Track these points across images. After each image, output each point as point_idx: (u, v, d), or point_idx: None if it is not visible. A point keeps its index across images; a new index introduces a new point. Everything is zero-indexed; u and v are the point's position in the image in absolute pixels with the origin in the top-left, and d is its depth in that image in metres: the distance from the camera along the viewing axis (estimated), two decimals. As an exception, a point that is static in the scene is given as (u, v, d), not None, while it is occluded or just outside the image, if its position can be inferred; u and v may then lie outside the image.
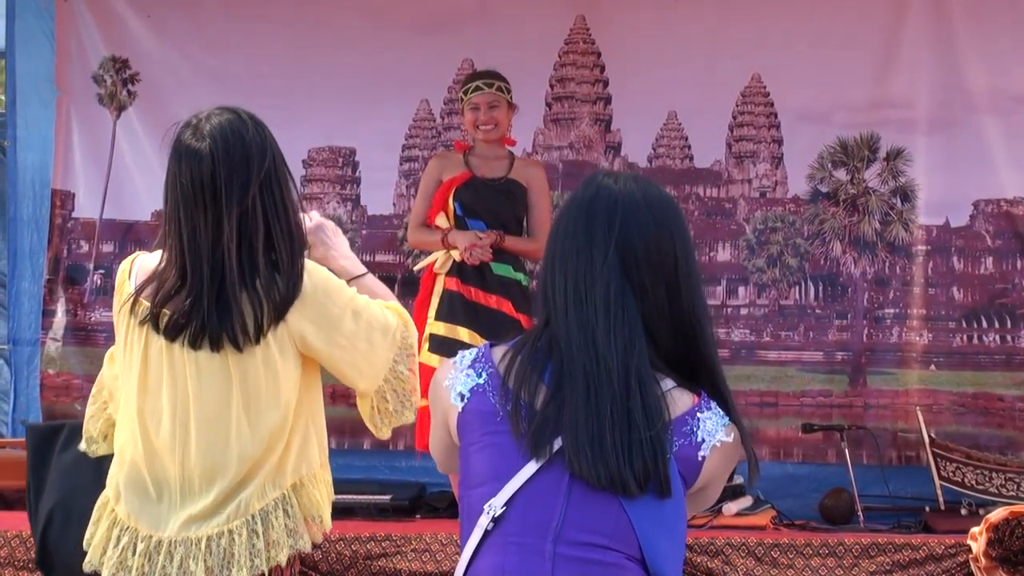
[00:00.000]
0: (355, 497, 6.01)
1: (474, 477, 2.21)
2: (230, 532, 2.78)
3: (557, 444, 2.16)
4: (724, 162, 6.95)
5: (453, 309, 5.43)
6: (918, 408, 6.36)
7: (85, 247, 7.07)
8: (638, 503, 2.14)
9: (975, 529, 5.25)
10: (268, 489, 2.80)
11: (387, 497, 6.09)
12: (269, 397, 2.80)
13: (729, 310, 6.89)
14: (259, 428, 2.79)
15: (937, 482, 6.07)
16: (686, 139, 6.93)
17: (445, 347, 5.28)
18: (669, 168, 6.95)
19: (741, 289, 6.89)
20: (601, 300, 2.18)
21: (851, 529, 5.80)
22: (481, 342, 5.32)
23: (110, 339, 2.98)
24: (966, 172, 6.70)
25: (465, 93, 5.68)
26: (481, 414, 2.22)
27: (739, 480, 6.22)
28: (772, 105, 6.86)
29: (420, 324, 5.23)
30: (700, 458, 2.21)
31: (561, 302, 2.21)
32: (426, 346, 5.31)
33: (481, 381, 2.24)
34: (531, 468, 2.16)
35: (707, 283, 6.91)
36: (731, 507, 5.95)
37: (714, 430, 2.22)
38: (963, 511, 5.91)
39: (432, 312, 5.41)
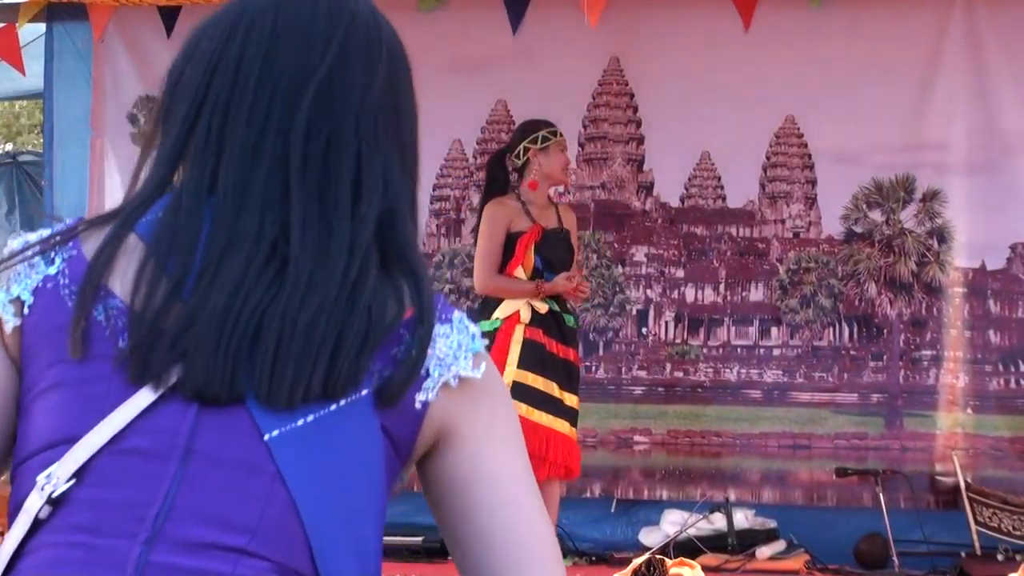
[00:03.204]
0: (387, 539, 5.98)
1: (33, 439, 1.32)
2: None
3: (177, 374, 1.29)
4: (757, 202, 6.93)
5: (539, 359, 5.48)
6: (954, 452, 6.29)
7: (119, 286, 7.11)
8: (303, 467, 1.28)
9: (1012, 575, 5.18)
10: None
11: (419, 539, 6.07)
12: None
13: (762, 351, 6.85)
14: None
15: (973, 527, 6.00)
16: (719, 179, 6.91)
17: (530, 395, 5.35)
18: (702, 208, 6.93)
19: (774, 330, 6.85)
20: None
21: (886, 574, 5.73)
22: (559, 394, 5.44)
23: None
24: (1003, 214, 6.65)
25: (553, 135, 5.71)
26: (51, 331, 1.33)
27: (773, 524, 6.17)
28: (806, 146, 6.84)
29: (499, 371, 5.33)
30: (419, 406, 1.35)
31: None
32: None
33: (52, 271, 1.35)
34: (128, 413, 1.29)
35: (740, 323, 6.88)
36: (764, 551, 5.90)
37: (451, 357, 1.35)
38: (1000, 557, 5.84)
39: (514, 359, 5.44)
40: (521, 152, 5.63)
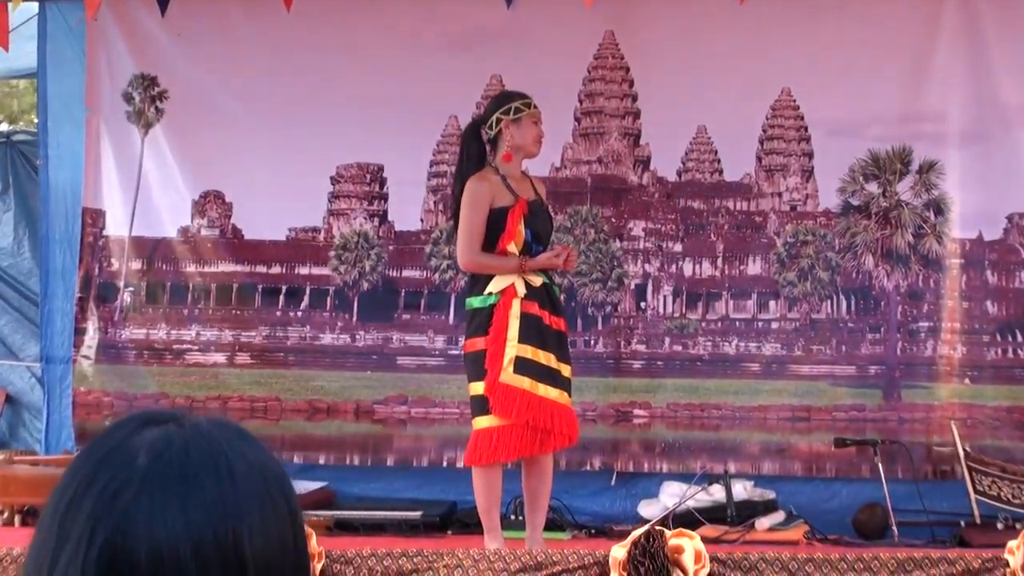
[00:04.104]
0: (386, 513, 6.00)
1: None
2: None
3: None
4: (754, 175, 6.93)
5: (537, 332, 5.45)
6: (953, 422, 6.30)
7: (116, 265, 7.10)
8: None
9: (1012, 543, 5.19)
10: None
11: (418, 513, 6.08)
12: None
13: (760, 324, 6.86)
14: None
15: (972, 496, 6.01)
16: (716, 153, 6.91)
17: (532, 369, 5.33)
18: (699, 182, 6.93)
19: (772, 303, 6.86)
20: None
21: (886, 544, 5.74)
22: (557, 365, 5.41)
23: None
24: (1000, 185, 6.66)
25: (527, 107, 5.59)
26: None
27: (772, 495, 6.18)
28: (802, 119, 6.84)
29: (500, 348, 5.28)
30: None
31: None
32: (510, 368, 5.34)
33: None
34: None
35: (737, 296, 6.89)
36: (763, 522, 5.91)
37: None
38: (999, 525, 5.85)
39: (514, 334, 5.40)
40: (494, 123, 5.57)
